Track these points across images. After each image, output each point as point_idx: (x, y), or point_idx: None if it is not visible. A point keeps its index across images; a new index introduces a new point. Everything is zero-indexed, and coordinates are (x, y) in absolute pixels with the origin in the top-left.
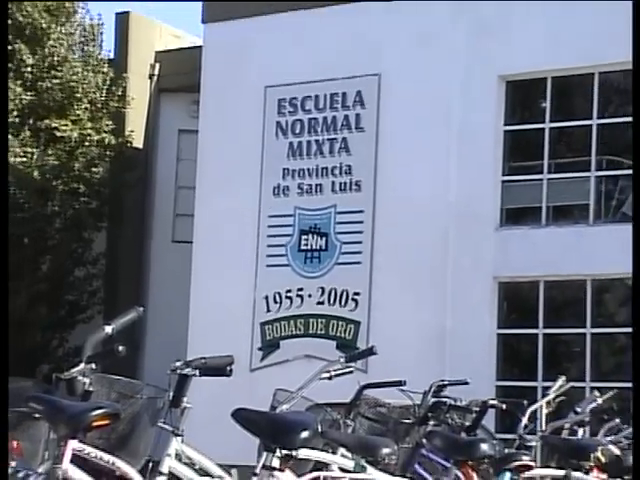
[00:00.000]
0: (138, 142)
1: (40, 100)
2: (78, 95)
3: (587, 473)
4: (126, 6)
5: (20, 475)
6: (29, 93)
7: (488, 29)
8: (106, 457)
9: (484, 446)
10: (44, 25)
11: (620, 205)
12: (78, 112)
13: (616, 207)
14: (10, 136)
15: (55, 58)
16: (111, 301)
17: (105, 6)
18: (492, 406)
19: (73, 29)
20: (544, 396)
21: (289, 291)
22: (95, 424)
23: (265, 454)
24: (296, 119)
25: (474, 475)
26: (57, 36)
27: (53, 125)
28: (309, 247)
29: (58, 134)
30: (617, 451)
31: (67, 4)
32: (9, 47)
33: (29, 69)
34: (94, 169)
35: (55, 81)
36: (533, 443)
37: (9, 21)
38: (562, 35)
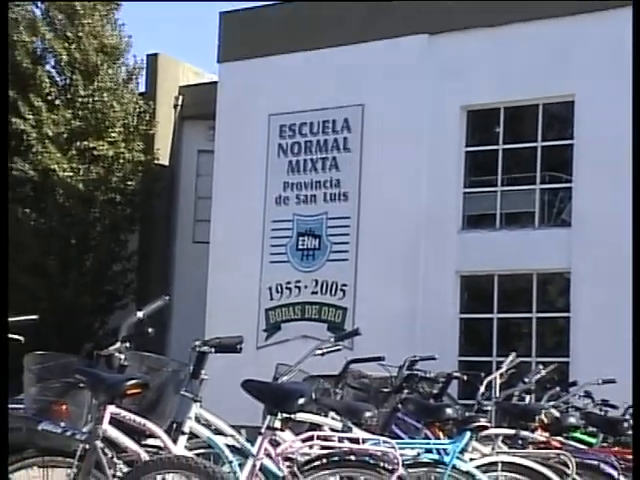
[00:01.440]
0: (164, 160)
1: (85, 125)
2: (114, 121)
3: (533, 432)
4: (155, 49)
5: (68, 433)
6: (77, 119)
7: (452, 68)
8: (138, 419)
9: (449, 410)
10: (98, 62)
11: (560, 212)
12: (114, 135)
13: (556, 214)
14: (59, 154)
15: (102, 91)
16: (142, 291)
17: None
18: (455, 377)
19: (119, 68)
20: (498, 369)
21: (289, 283)
22: (129, 392)
23: (269, 417)
24: (294, 141)
25: (440, 434)
26: (106, 72)
27: (93, 146)
28: (305, 247)
29: (97, 153)
30: (557, 414)
31: (120, 47)
32: (66, 79)
33: (80, 99)
34: (128, 182)
35: (97, 106)
36: (489, 408)
37: (66, 57)
38: (512, 73)
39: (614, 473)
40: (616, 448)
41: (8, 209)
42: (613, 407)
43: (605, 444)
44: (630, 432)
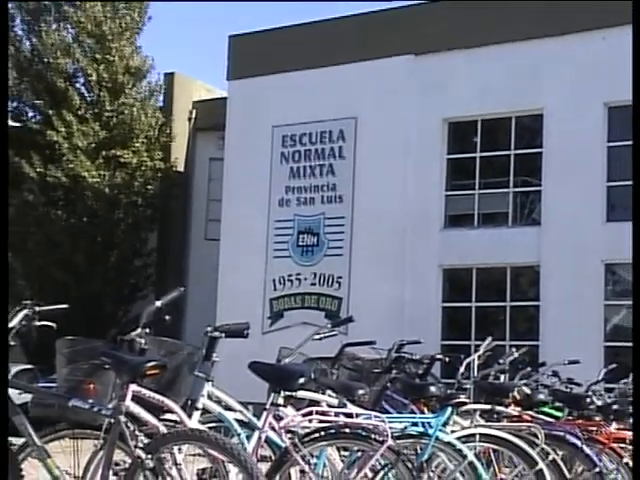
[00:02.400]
0: (180, 167)
1: (111, 136)
2: (137, 132)
3: (506, 407)
4: (172, 68)
5: (95, 409)
6: (104, 131)
7: (434, 84)
8: (157, 396)
9: (432, 388)
10: (123, 82)
11: (530, 213)
12: (136, 145)
13: (528, 214)
14: (88, 162)
15: (127, 107)
16: (161, 283)
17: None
18: (438, 359)
19: (142, 86)
20: (476, 352)
21: (290, 276)
22: (149, 372)
23: (273, 394)
24: (295, 150)
25: (425, 409)
26: (130, 90)
27: (118, 154)
28: (305, 243)
29: (122, 161)
30: (528, 391)
31: (143, 68)
32: (95, 96)
33: (107, 113)
34: (148, 186)
35: (122, 120)
36: (468, 386)
37: (95, 76)
38: (489, 89)
39: (578, 443)
40: (580, 421)
41: (8, 209)
42: (577, 385)
43: (570, 417)
44: (592, 406)
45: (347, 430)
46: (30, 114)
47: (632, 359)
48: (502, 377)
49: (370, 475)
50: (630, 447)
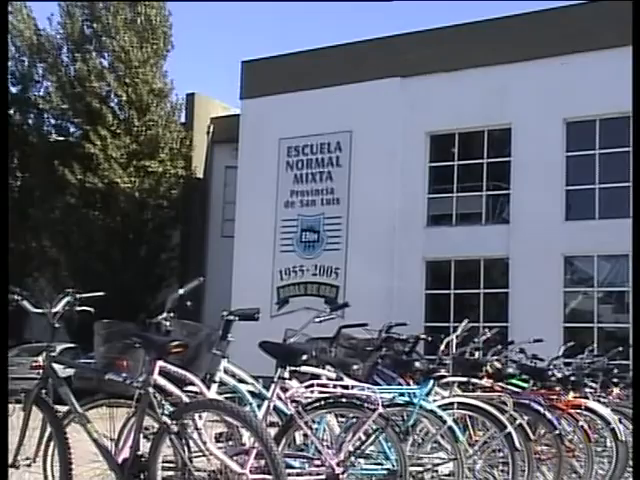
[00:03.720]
0: (199, 174)
1: (140, 148)
2: (162, 145)
3: (480, 379)
4: (192, 89)
5: (128, 382)
6: (133, 144)
7: (418, 103)
8: (180, 371)
9: (417, 364)
10: (149, 101)
11: (501, 213)
12: (162, 156)
13: (498, 214)
14: (120, 171)
15: (153, 123)
16: (183, 274)
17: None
18: (422, 339)
19: (165, 105)
20: (454, 332)
21: (294, 267)
22: (173, 350)
23: (279, 369)
24: (299, 159)
25: (411, 381)
26: (155, 108)
27: (146, 164)
28: (307, 240)
29: (149, 170)
30: (499, 365)
31: (165, 89)
32: (125, 114)
33: (135, 129)
34: (172, 191)
35: (149, 134)
36: (447, 361)
37: (125, 97)
38: (464, 107)
39: (541, 409)
40: (542, 391)
41: (8, 210)
42: (540, 360)
43: (534, 388)
44: (553, 378)
45: (343, 400)
46: (72, 130)
47: (632, 359)
48: (476, 354)
49: (363, 438)
50: (585, 412)
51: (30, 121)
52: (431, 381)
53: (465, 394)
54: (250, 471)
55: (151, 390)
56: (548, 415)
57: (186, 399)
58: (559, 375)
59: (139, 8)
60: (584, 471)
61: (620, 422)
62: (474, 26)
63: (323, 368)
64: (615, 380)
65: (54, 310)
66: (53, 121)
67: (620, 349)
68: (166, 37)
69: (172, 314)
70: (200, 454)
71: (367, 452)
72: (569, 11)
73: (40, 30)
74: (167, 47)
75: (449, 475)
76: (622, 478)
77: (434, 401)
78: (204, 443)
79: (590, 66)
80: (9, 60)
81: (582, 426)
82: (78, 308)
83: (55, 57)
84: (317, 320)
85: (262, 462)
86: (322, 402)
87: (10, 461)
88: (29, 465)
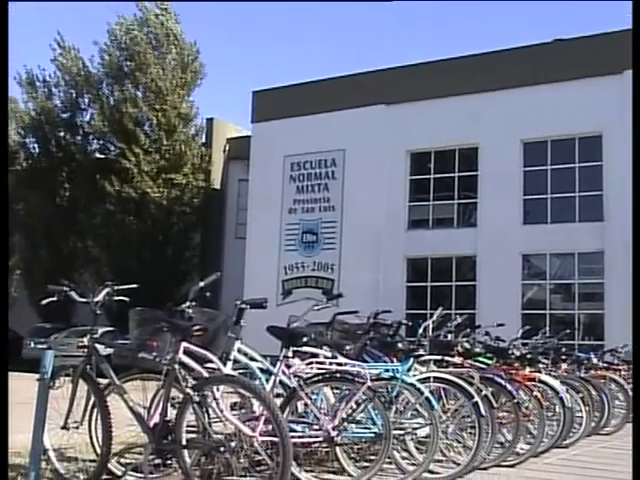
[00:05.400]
0: (217, 185)
1: (168, 164)
2: (186, 161)
3: (452, 357)
4: (212, 114)
5: (157, 359)
6: (162, 160)
7: (400, 125)
8: (201, 351)
9: (399, 344)
10: (176, 124)
11: (469, 218)
12: (186, 170)
13: (467, 219)
14: (151, 182)
15: (179, 142)
16: (203, 269)
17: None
18: (404, 324)
19: (191, 128)
20: (430, 318)
21: (297, 263)
22: (195, 334)
23: (284, 349)
24: (300, 173)
25: (394, 360)
26: (181, 130)
27: (173, 177)
28: (307, 240)
29: (175, 182)
30: (468, 345)
31: (190, 114)
32: (156, 135)
33: (164, 147)
34: (194, 200)
35: (175, 152)
36: (425, 343)
37: (156, 121)
38: (439, 129)
39: (502, 382)
40: (504, 366)
41: (8, 210)
42: (502, 341)
43: (497, 364)
44: (513, 356)
45: (338, 375)
46: (111, 148)
47: (632, 359)
48: (449, 336)
49: (354, 407)
50: (538, 384)
51: (77, 142)
52: (411, 359)
53: (439, 370)
54: (260, 434)
55: (177, 366)
56: (508, 387)
57: (206, 374)
58: (517, 353)
59: (169, 47)
60: (537, 432)
61: (567, 392)
62: (448, 62)
63: (321, 348)
64: (563, 357)
65: (96, 299)
66: (96, 142)
67: (568, 331)
68: (195, 72)
69: (194, 303)
70: (218, 420)
71: (357, 418)
72: (529, 50)
73: (86, 66)
74: (196, 81)
75: (426, 437)
76: (567, 437)
77: (414, 376)
78: (221, 411)
79: (544, 96)
80: (60, 91)
81: (536, 395)
82: (116, 298)
83: (98, 89)
84: (316, 308)
85: (270, 427)
86: (320, 377)
87: (61, 424)
88: (77, 427)
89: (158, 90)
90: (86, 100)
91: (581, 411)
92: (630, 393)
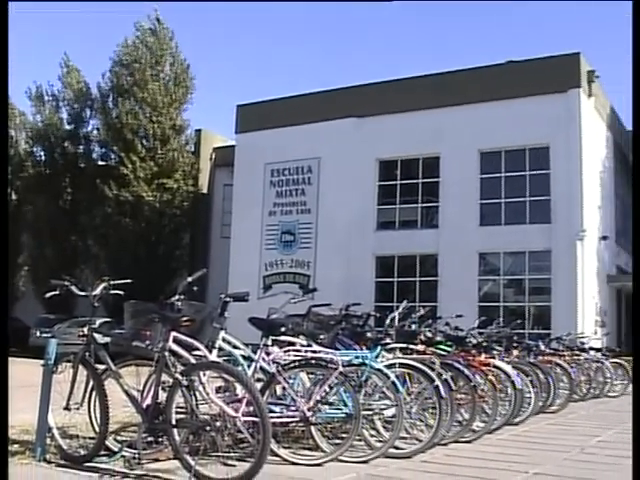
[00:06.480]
0: (205, 190)
1: (161, 170)
2: (177, 168)
3: (416, 345)
4: (200, 125)
5: (150, 347)
6: (156, 167)
7: (370, 136)
8: (189, 339)
9: (369, 334)
10: (169, 135)
11: (432, 220)
12: (177, 176)
13: (430, 221)
14: (146, 187)
15: (171, 151)
16: (192, 266)
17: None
18: (372, 315)
19: (182, 138)
20: (397, 310)
21: (276, 261)
22: (183, 324)
23: (264, 338)
24: (279, 179)
25: (364, 347)
26: (173, 140)
27: (165, 182)
28: (286, 240)
29: (167, 186)
30: (430, 334)
31: (183, 126)
32: (151, 144)
33: (158, 156)
34: (184, 203)
35: (168, 160)
36: (392, 332)
37: (151, 131)
38: (405, 140)
39: (460, 367)
40: (462, 353)
41: (8, 213)
42: (461, 330)
43: (456, 351)
44: (470, 344)
45: (313, 361)
46: (112, 156)
47: (633, 360)
48: (413, 326)
49: (328, 390)
50: (493, 369)
51: (80, 151)
52: (379, 347)
53: (404, 356)
54: (242, 415)
55: (167, 354)
56: (466, 371)
57: (193, 361)
58: (474, 341)
59: (164, 64)
60: (491, 412)
61: (518, 376)
62: (414, 80)
63: (297, 337)
64: (515, 345)
65: (94, 293)
66: (98, 150)
67: (519, 322)
68: (187, 88)
69: (183, 296)
70: (204, 402)
71: (330, 400)
72: (485, 70)
73: (88, 83)
74: (187, 96)
75: (392, 417)
76: (518, 416)
77: (381, 362)
78: (207, 394)
79: (498, 111)
80: (66, 105)
81: (490, 379)
82: (112, 292)
83: (101, 103)
84: (293, 301)
85: (251, 408)
86: (296, 363)
87: (64, 405)
88: (78, 408)
89: (155, 104)
90: (88, 113)
91: (530, 392)
92: (573, 377)
